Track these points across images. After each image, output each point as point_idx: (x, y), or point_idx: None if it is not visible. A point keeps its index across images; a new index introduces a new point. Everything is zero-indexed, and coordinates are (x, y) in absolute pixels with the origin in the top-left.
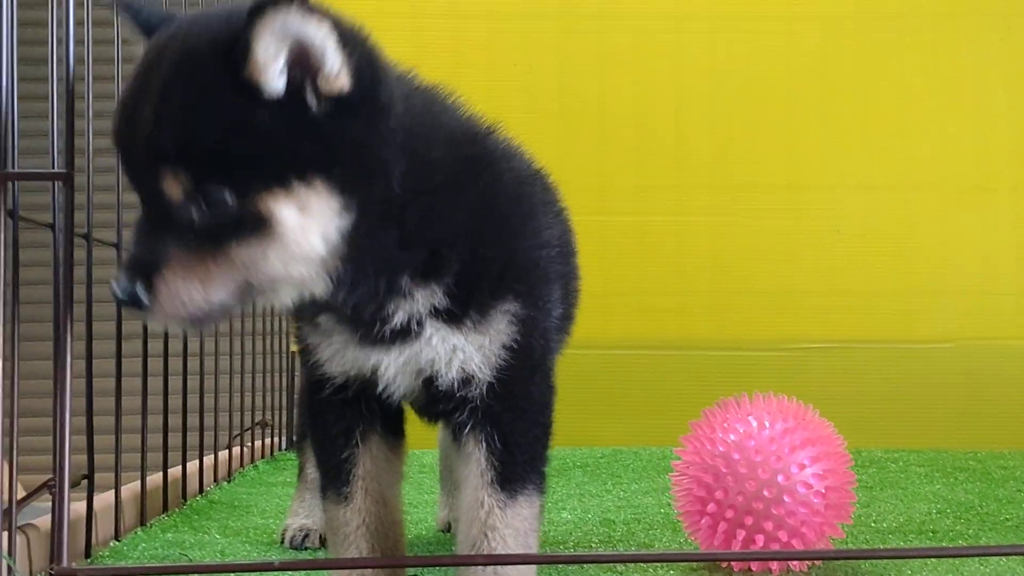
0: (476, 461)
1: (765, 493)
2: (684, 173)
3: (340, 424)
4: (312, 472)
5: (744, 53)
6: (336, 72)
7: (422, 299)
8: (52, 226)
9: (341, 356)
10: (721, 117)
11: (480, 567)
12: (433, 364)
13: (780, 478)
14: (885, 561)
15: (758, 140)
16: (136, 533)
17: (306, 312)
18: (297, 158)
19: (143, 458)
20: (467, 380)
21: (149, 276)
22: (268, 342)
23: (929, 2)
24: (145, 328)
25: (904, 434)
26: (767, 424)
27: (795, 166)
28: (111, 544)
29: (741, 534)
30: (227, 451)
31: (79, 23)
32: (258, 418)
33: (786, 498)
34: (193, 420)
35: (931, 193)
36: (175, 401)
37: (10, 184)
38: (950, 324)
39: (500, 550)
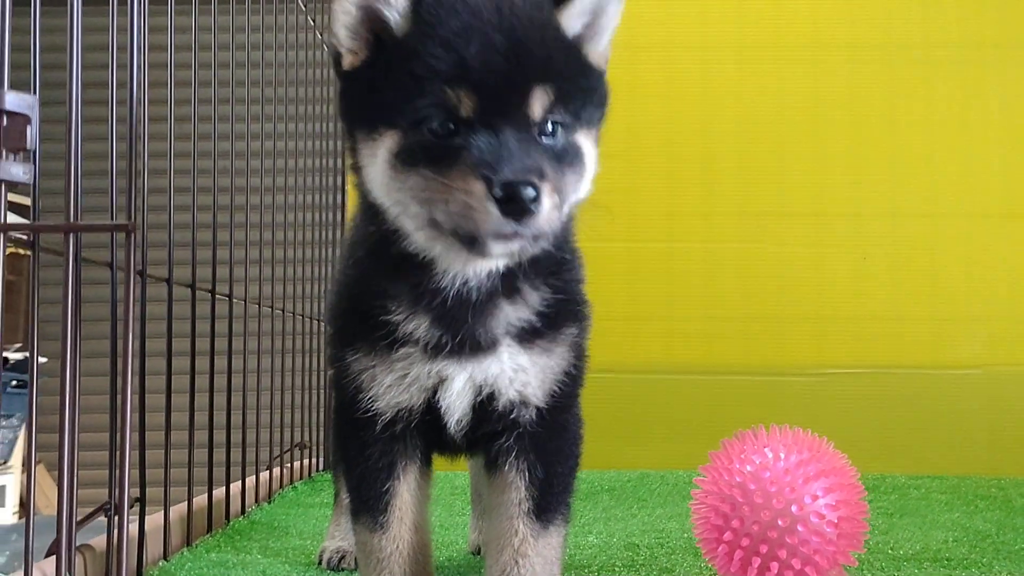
0: (516, 489)
1: (779, 523)
2: (712, 201)
3: (384, 459)
4: (347, 497)
5: (771, 82)
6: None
7: (514, 312)
8: (111, 265)
9: (400, 382)
10: (749, 145)
11: None
12: (498, 381)
13: (794, 508)
14: None
15: (785, 168)
16: (183, 553)
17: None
18: (599, 103)
19: (190, 479)
20: (523, 403)
21: (540, 178)
22: (305, 360)
23: (956, 31)
24: (193, 344)
25: (930, 460)
26: (782, 456)
27: (822, 193)
28: (160, 564)
29: (756, 561)
30: (268, 472)
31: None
32: (296, 437)
33: (799, 527)
34: (236, 438)
35: (957, 220)
36: (219, 419)
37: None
38: (977, 350)
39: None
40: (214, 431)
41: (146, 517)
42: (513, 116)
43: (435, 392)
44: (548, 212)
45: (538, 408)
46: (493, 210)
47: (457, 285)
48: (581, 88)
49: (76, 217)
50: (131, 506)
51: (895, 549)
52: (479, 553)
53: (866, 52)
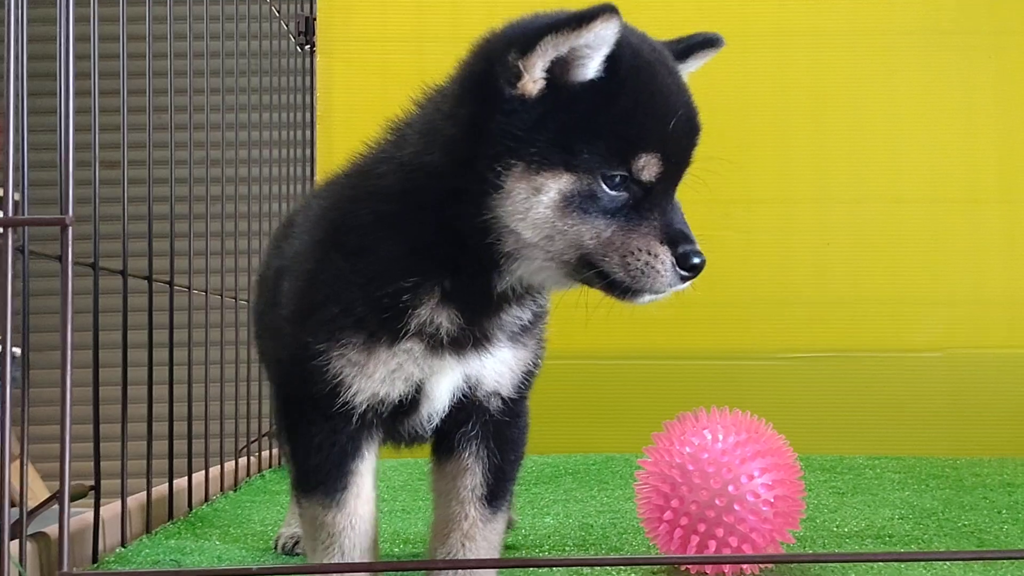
0: (472, 474)
1: (717, 502)
2: (679, 189)
3: (351, 444)
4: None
5: (736, 70)
6: None
7: (518, 313)
8: (60, 259)
9: (391, 375)
10: (714, 133)
11: (450, 571)
12: (483, 374)
13: (731, 488)
14: (833, 564)
15: (750, 155)
16: (142, 540)
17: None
18: None
19: (148, 467)
20: (496, 393)
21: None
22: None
23: (919, 19)
24: (151, 339)
25: (890, 441)
26: (720, 437)
27: (787, 181)
28: (117, 551)
29: (695, 539)
30: (234, 461)
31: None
32: (264, 427)
33: (736, 506)
34: (199, 428)
35: (920, 205)
36: (181, 409)
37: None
38: (938, 333)
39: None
40: (174, 422)
41: (106, 505)
42: (677, 181)
43: (421, 384)
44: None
45: (503, 398)
46: (675, 275)
47: (494, 290)
48: None
49: (23, 211)
50: (85, 494)
51: (840, 527)
52: None
53: (830, 39)
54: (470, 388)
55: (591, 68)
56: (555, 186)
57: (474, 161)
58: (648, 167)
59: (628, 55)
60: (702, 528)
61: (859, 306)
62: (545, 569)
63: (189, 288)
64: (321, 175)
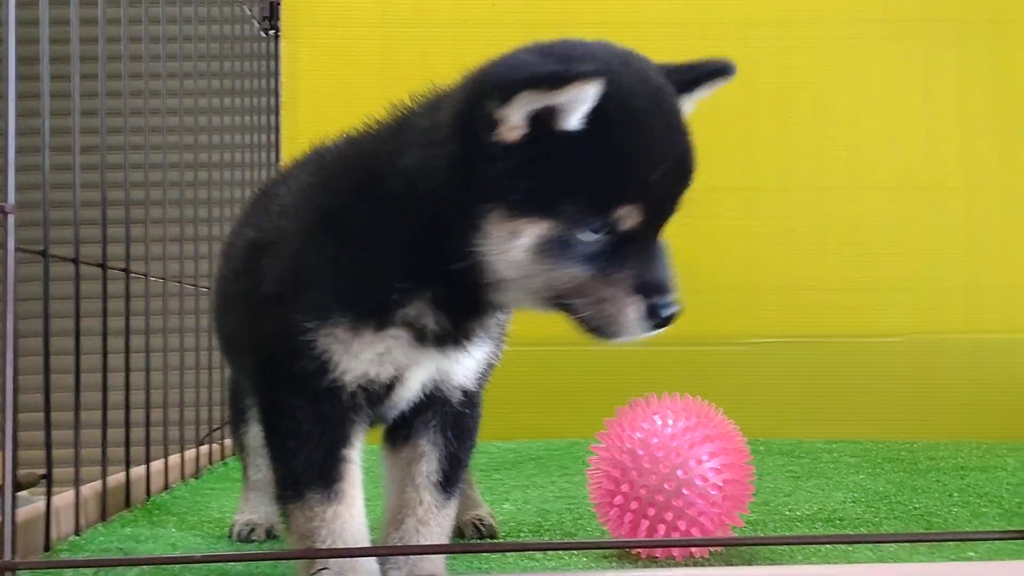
0: (428, 461)
1: (666, 486)
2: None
3: (341, 429)
4: (255, 475)
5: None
6: None
7: (501, 315)
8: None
9: (383, 357)
10: None
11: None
12: (453, 369)
13: (679, 472)
14: (784, 547)
15: (716, 144)
16: (96, 528)
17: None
18: None
19: (103, 454)
20: (459, 386)
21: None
22: None
23: (882, 8)
24: (105, 326)
25: (851, 425)
26: (670, 422)
27: (752, 169)
28: (71, 539)
29: (645, 523)
30: (195, 449)
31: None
32: (228, 415)
33: (685, 490)
34: (157, 416)
35: (882, 193)
36: (140, 397)
37: None
38: (900, 319)
39: (427, 543)
40: (131, 410)
41: (61, 494)
42: (659, 229)
43: (402, 372)
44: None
45: (464, 390)
46: (646, 324)
47: (484, 302)
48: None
49: None
50: (35, 483)
51: (793, 511)
52: None
53: (795, 28)
54: (441, 380)
55: (574, 120)
56: (533, 231)
57: (461, 196)
58: (628, 218)
59: (615, 106)
60: (651, 512)
61: (822, 292)
62: (499, 555)
63: (147, 276)
64: (286, 160)
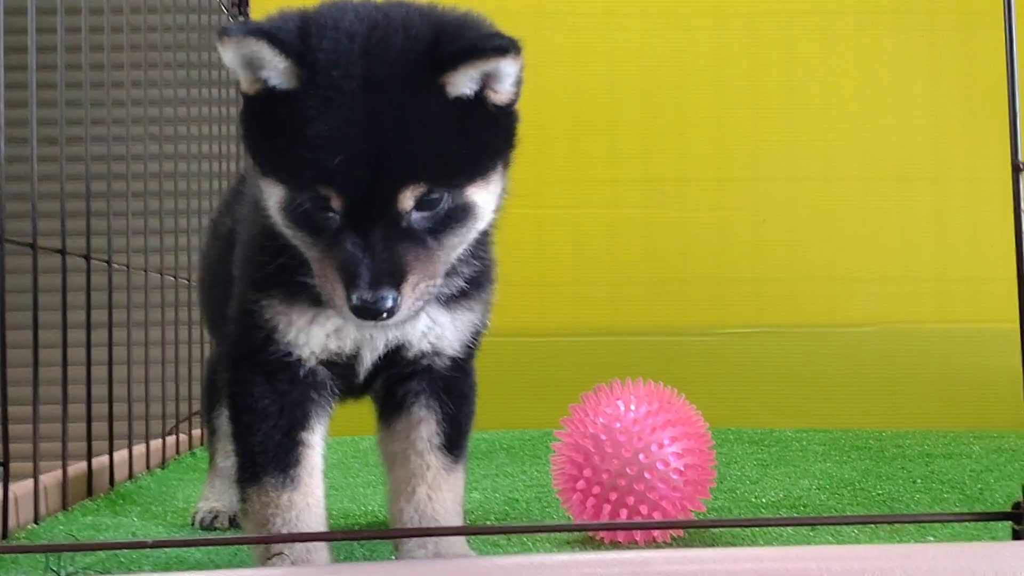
0: (427, 425)
1: (628, 471)
2: (617, 168)
3: (298, 410)
4: (223, 461)
5: (673, 50)
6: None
7: (448, 283)
8: None
9: (339, 333)
10: (651, 113)
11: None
12: (409, 336)
13: (641, 456)
14: (746, 531)
15: (687, 135)
16: (56, 517)
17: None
18: (501, 144)
19: (64, 443)
20: (437, 353)
21: (398, 286)
22: (201, 331)
23: None
24: (64, 316)
25: (822, 415)
26: (632, 407)
27: (722, 160)
28: (29, 527)
29: (607, 508)
30: (162, 440)
31: None
32: (195, 408)
33: (647, 475)
34: (122, 409)
35: (853, 183)
36: (102, 390)
37: None
38: (871, 309)
39: (442, 511)
40: (92, 402)
41: (19, 482)
42: (381, 215)
43: (358, 344)
44: (411, 303)
45: (452, 357)
46: (352, 315)
47: None
48: (469, 153)
49: None
50: None
51: (759, 497)
52: None
53: (766, 19)
54: (397, 348)
55: (273, 76)
56: (275, 193)
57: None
58: (333, 200)
59: (317, 69)
60: (613, 496)
61: (794, 283)
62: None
63: (109, 262)
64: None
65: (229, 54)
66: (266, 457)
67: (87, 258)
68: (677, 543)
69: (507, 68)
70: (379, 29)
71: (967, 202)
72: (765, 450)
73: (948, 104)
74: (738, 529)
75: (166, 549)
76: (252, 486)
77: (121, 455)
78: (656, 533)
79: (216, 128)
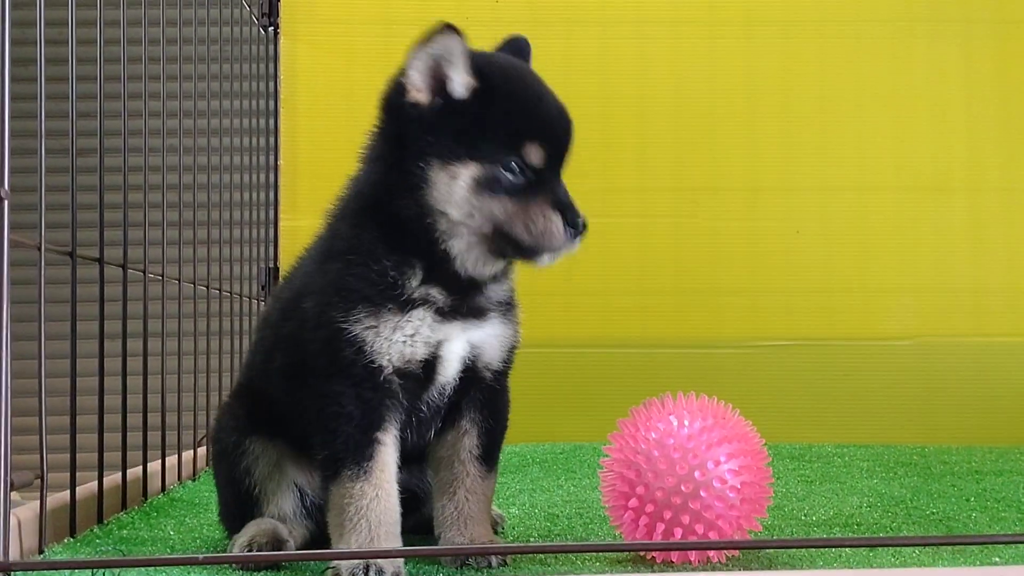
0: (470, 436)
1: (683, 488)
2: (647, 176)
3: (376, 414)
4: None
5: (705, 58)
6: None
7: (500, 289)
8: None
9: (413, 337)
10: (683, 121)
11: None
12: (485, 343)
13: (697, 474)
14: (803, 551)
15: (719, 143)
16: (92, 530)
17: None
18: None
19: (100, 456)
20: (488, 365)
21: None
22: (232, 342)
23: (888, 7)
24: (102, 327)
25: (861, 430)
26: (686, 423)
27: (755, 169)
28: (66, 540)
29: (661, 527)
30: (192, 451)
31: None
32: None
33: (703, 493)
34: (155, 420)
35: (888, 194)
36: (136, 400)
37: None
38: (908, 322)
39: (476, 510)
40: (128, 414)
41: (53, 495)
42: (560, 165)
43: (436, 350)
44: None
45: (492, 370)
46: (567, 233)
47: (471, 273)
48: None
49: None
50: (30, 484)
51: (808, 515)
52: None
53: (799, 28)
54: (474, 356)
55: (458, 77)
56: (467, 172)
57: (401, 162)
58: (534, 153)
59: (495, 71)
60: (668, 515)
61: (829, 294)
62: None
63: (144, 271)
64: (285, 161)
65: (450, 41)
66: (346, 453)
67: (124, 267)
68: (733, 563)
69: None
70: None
71: (1003, 212)
72: (807, 466)
73: (983, 113)
74: (794, 549)
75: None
76: (332, 482)
77: (153, 466)
78: (712, 553)
79: (248, 140)
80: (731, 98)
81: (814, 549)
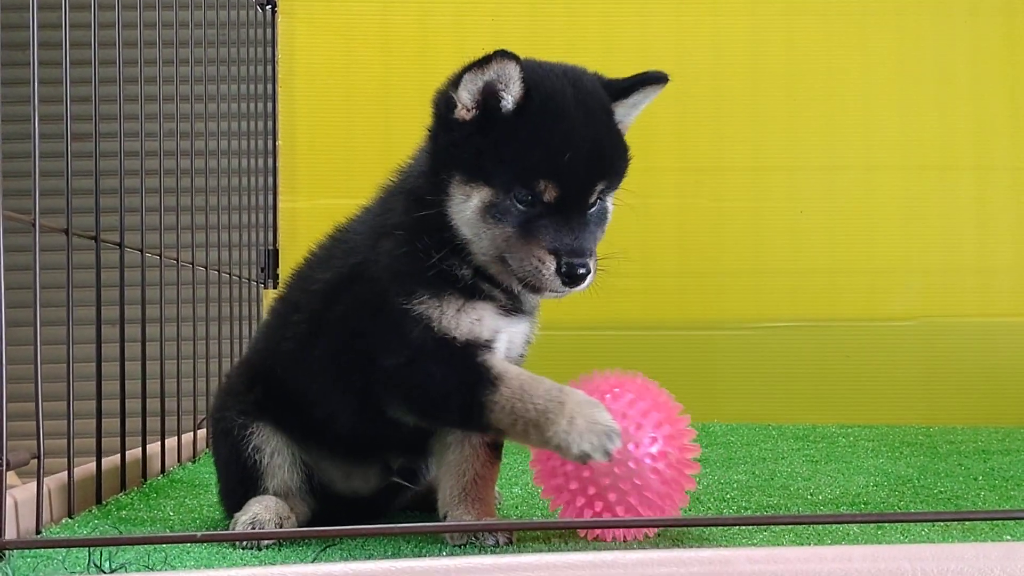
0: None
1: (615, 470)
2: (651, 156)
3: (472, 354)
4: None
5: (710, 37)
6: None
7: (535, 298)
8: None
9: (480, 321)
10: (685, 100)
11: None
12: (517, 338)
13: (631, 447)
14: (810, 528)
15: (723, 123)
16: (91, 511)
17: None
18: (625, 167)
19: (98, 438)
20: (511, 357)
21: (590, 258)
22: (232, 327)
23: None
24: (99, 310)
25: (865, 409)
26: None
27: (759, 148)
28: (63, 521)
29: (581, 500)
30: (192, 433)
31: None
32: None
33: (631, 465)
34: (154, 405)
35: (893, 173)
36: (135, 387)
37: None
38: (913, 302)
39: (484, 490)
40: (127, 399)
41: (52, 476)
42: (579, 204)
43: (494, 337)
44: (590, 278)
45: (512, 361)
46: (557, 280)
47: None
48: (621, 167)
49: None
50: (26, 463)
51: (815, 494)
52: None
53: (803, 5)
54: (508, 348)
55: (508, 101)
56: (478, 195)
57: (437, 168)
58: (547, 190)
59: (540, 96)
60: (592, 491)
61: (833, 275)
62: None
63: (142, 251)
64: (284, 141)
65: (506, 69)
66: (470, 390)
67: (120, 246)
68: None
69: (651, 98)
70: (568, 69)
71: (1010, 192)
72: (812, 446)
73: (991, 91)
74: (800, 527)
75: (206, 544)
76: (487, 414)
77: (153, 448)
78: (644, 528)
79: (249, 124)
80: (735, 77)
81: (820, 526)
